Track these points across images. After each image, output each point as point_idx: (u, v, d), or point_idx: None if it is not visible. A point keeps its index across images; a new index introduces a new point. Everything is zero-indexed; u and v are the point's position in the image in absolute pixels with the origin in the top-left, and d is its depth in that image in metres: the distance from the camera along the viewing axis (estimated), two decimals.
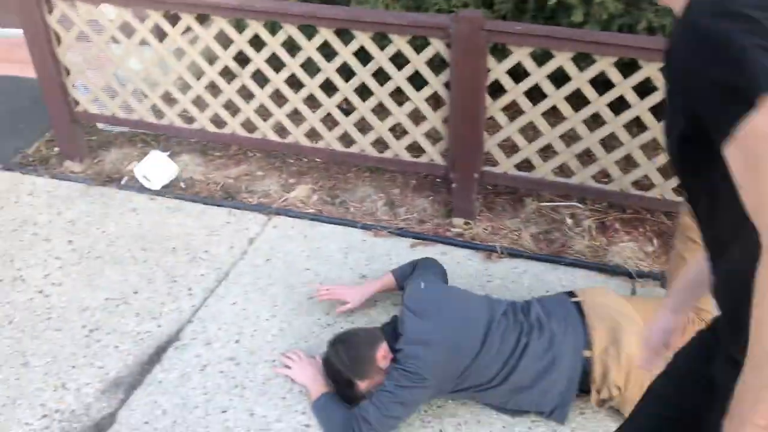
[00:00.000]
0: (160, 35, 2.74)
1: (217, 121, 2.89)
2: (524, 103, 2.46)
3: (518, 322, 1.91)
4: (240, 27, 2.62)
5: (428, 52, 2.44)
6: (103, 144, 3.27)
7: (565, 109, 2.41)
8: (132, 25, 2.75)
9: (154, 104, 2.92)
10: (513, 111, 2.57)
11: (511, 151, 2.61)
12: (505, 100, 2.47)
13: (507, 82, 2.44)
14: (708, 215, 0.87)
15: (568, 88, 2.36)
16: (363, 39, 2.48)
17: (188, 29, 2.69)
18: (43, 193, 2.92)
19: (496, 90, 2.47)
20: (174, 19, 2.68)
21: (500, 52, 2.44)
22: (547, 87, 2.39)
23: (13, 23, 3.94)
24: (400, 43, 2.44)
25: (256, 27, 2.58)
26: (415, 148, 2.71)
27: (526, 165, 2.61)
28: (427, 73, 2.48)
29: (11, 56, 3.98)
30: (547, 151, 2.59)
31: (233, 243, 2.64)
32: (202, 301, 2.35)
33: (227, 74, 2.77)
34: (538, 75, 2.37)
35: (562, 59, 2.30)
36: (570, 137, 2.54)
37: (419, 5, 2.89)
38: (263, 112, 2.81)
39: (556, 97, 2.40)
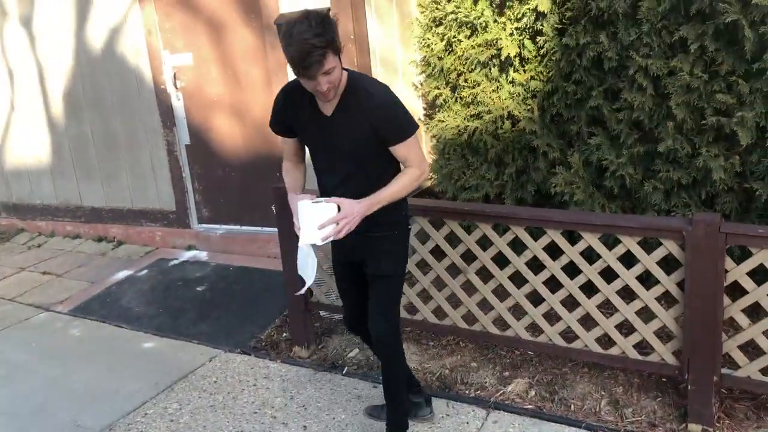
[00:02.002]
0: None
1: (438, 313, 3.05)
2: None
3: None
4: (469, 229, 2.85)
5: (659, 252, 2.47)
6: (326, 331, 3.54)
7: None
8: None
9: None
10: (756, 311, 2.46)
11: (754, 354, 2.45)
12: (746, 301, 2.39)
13: (747, 282, 2.38)
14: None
15: None
16: (590, 239, 2.58)
17: (421, 229, 2.97)
18: (276, 377, 3.16)
19: (735, 290, 2.41)
20: None
21: (736, 250, 2.41)
22: None
23: (252, 222, 4.61)
24: (629, 243, 2.51)
25: (484, 228, 2.80)
26: (643, 347, 2.64)
27: None
28: (658, 272, 2.49)
29: (246, 249, 4.58)
30: None
31: None
32: None
33: (452, 269, 2.97)
34: None
35: None
36: None
37: (635, 205, 2.98)
38: (484, 306, 2.92)
39: None
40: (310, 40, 1.91)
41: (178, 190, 4.83)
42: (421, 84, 3.80)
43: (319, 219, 2.11)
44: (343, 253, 2.43)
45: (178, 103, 4.62)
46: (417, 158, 2.19)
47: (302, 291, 2.33)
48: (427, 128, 3.65)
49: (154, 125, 4.79)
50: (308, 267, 2.21)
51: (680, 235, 2.39)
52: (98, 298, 4.33)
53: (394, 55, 4.14)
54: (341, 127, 2.15)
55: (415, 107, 4.29)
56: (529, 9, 2.97)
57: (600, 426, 2.62)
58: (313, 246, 2.18)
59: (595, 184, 3.03)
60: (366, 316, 2.39)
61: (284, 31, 1.96)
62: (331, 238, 2.12)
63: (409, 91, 4.18)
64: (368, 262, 2.34)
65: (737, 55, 2.57)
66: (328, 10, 3.07)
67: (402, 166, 2.24)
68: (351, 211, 2.10)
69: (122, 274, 4.67)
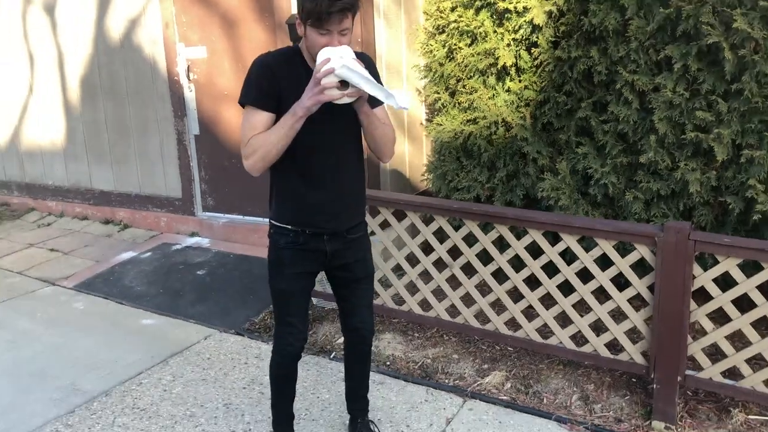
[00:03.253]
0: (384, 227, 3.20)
1: (424, 305, 3.20)
2: (732, 311, 2.50)
3: None
4: (458, 226, 3.00)
5: (633, 256, 2.62)
6: (317, 318, 3.69)
7: None
8: None
9: None
10: (720, 317, 2.60)
11: (717, 357, 2.59)
12: (710, 306, 2.53)
13: (713, 288, 2.52)
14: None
15: None
16: (569, 240, 2.73)
17: (411, 224, 3.13)
18: (267, 357, 3.32)
19: (702, 294, 2.55)
20: (399, 215, 3.15)
21: (708, 259, 2.55)
22: (757, 297, 2.43)
23: (254, 212, 4.78)
24: (605, 246, 2.66)
25: (471, 225, 2.95)
26: (614, 346, 2.78)
27: (732, 373, 2.56)
28: (630, 275, 2.64)
29: (247, 239, 4.74)
30: (758, 361, 2.54)
31: (432, 421, 2.78)
32: None
33: (439, 264, 3.12)
34: (747, 285, 2.44)
35: None
36: None
37: (617, 213, 3.13)
38: (467, 300, 3.07)
39: (766, 307, 2.42)
40: None
41: (185, 178, 5.00)
42: (423, 88, 3.97)
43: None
44: (317, 263, 2.23)
45: (189, 94, 4.80)
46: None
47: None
48: (427, 131, 3.81)
49: (165, 114, 4.97)
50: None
51: (652, 240, 2.54)
52: (102, 275, 4.50)
53: (399, 60, 4.31)
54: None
55: (418, 112, 4.46)
56: (525, 21, 3.13)
57: (569, 418, 2.75)
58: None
59: (581, 191, 3.18)
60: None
61: None
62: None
63: (412, 95, 4.35)
64: (354, 265, 2.26)
65: (717, 75, 2.72)
66: None
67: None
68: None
69: (126, 255, 4.84)
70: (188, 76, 4.76)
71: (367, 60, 2.12)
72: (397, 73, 4.33)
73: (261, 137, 2.00)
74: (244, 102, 2.05)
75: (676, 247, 2.48)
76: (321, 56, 1.90)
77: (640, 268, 2.63)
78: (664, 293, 2.54)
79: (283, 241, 2.18)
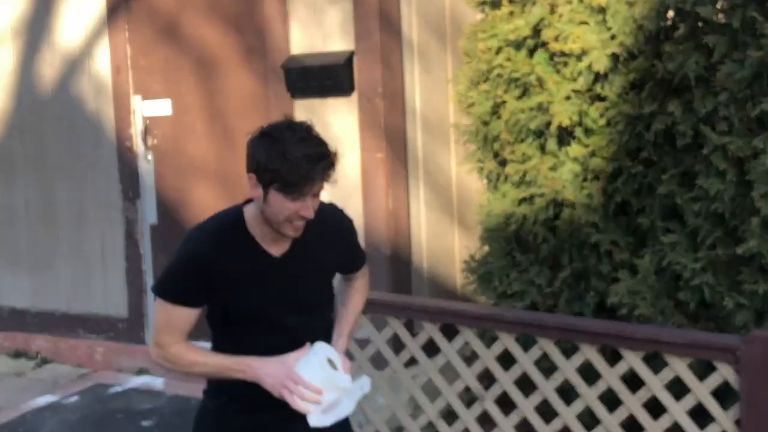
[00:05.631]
0: None
1: None
2: None
3: None
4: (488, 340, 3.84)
5: (714, 380, 3.36)
6: None
7: None
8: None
9: None
10: None
11: None
12: None
13: None
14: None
15: None
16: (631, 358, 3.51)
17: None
18: None
19: None
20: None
21: None
22: None
23: None
24: (677, 366, 3.42)
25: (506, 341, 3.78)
26: None
27: None
28: (711, 404, 3.37)
29: None
30: None
31: None
32: None
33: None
34: None
35: None
36: None
37: (719, 326, 3.89)
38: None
39: None
40: (321, 145, 2.56)
41: (135, 288, 5.90)
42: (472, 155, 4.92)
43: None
44: None
45: (147, 167, 5.77)
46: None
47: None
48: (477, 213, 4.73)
49: (110, 196, 5.86)
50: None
51: (734, 356, 3.29)
52: (6, 427, 5.37)
53: (443, 116, 5.31)
54: (299, 265, 2.76)
55: (474, 185, 5.32)
56: (584, 67, 4.06)
57: None
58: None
59: (670, 296, 3.97)
60: None
61: (278, 136, 2.56)
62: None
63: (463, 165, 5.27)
64: None
65: None
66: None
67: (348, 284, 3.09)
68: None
69: (43, 400, 5.71)
70: (146, 141, 5.72)
71: (337, 219, 2.94)
72: (441, 133, 5.31)
73: (185, 357, 2.74)
74: (162, 297, 2.72)
75: (763, 362, 3.22)
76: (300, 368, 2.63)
77: (727, 394, 3.37)
78: (751, 427, 3.26)
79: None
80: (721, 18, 3.84)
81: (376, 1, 4.97)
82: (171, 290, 2.71)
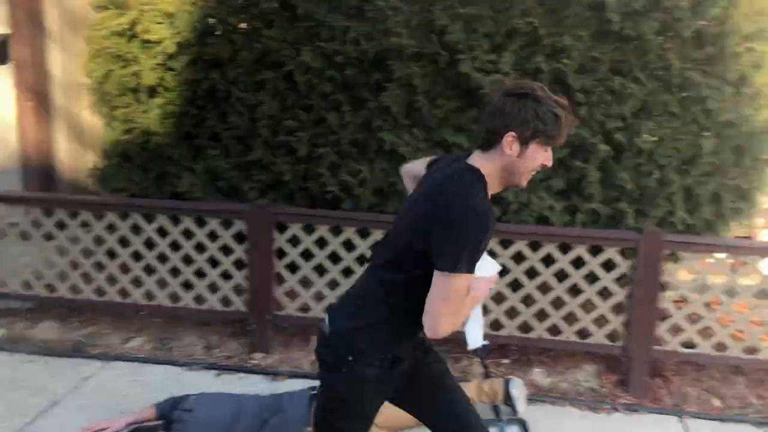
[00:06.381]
0: None
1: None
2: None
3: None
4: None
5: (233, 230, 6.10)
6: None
7: None
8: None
9: None
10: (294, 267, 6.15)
11: (293, 296, 6.12)
12: (287, 260, 6.08)
13: (287, 247, 6.08)
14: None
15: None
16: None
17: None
18: None
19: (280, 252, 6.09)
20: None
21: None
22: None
23: None
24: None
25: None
26: (225, 300, 6.22)
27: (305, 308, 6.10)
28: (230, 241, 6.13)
29: None
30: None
31: (72, 381, 6.00)
32: None
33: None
34: (309, 243, 6.02)
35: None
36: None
37: (241, 200, 6.68)
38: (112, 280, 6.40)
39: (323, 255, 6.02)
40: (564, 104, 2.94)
41: None
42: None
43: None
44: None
45: None
46: None
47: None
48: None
49: None
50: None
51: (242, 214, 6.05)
52: None
53: (76, 79, 7.68)
54: None
55: (97, 124, 7.80)
56: (161, 50, 6.66)
57: (192, 362, 6.10)
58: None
59: (212, 185, 6.69)
60: None
61: (537, 96, 2.87)
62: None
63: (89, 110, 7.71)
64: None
65: (299, 94, 6.40)
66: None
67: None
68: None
69: None
70: None
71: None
72: (76, 91, 7.69)
73: (465, 303, 2.90)
74: (460, 272, 2.79)
75: (261, 219, 6.01)
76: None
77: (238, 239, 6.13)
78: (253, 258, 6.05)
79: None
80: (242, 25, 6.55)
81: (26, 1, 7.32)
82: (464, 261, 2.81)
